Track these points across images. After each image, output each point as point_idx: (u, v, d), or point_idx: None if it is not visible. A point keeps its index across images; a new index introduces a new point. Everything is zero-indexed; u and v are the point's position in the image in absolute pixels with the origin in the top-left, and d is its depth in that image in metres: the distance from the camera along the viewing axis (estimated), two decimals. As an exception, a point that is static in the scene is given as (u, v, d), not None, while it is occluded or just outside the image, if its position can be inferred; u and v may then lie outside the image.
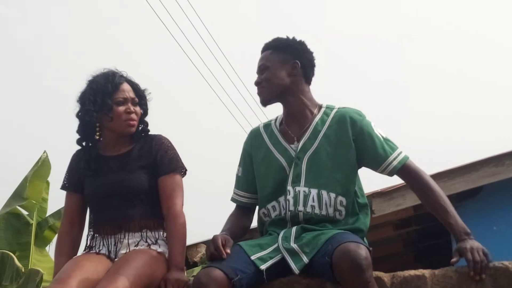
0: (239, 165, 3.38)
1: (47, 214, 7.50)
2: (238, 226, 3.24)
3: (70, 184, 3.43)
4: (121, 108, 3.34)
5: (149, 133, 3.47)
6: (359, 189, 3.21)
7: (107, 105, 3.33)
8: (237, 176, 3.39)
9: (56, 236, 4.13)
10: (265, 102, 3.26)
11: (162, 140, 3.39)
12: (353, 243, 2.71)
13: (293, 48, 3.26)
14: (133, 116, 3.37)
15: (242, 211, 3.32)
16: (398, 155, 3.11)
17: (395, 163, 3.09)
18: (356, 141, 3.14)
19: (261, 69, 3.26)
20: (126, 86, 3.40)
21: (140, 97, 3.46)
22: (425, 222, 7.05)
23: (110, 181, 3.29)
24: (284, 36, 3.31)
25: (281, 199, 3.14)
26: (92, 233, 3.34)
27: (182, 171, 3.35)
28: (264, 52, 3.30)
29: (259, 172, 3.26)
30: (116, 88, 3.36)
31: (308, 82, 3.30)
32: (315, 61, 3.32)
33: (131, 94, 3.39)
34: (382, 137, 3.17)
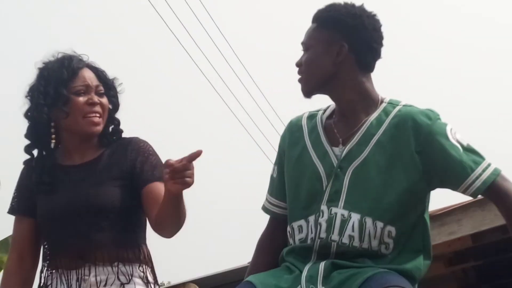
0: (275, 164, 2.77)
1: None
2: (271, 256, 2.67)
3: (20, 205, 2.86)
4: (81, 99, 2.76)
5: (123, 135, 2.87)
6: (423, 220, 2.59)
7: (62, 96, 2.73)
8: (272, 177, 2.76)
9: (0, 274, 3.71)
10: (305, 93, 2.63)
11: (140, 144, 2.82)
12: None
13: (343, 23, 2.59)
14: (97, 108, 2.77)
15: (277, 226, 2.71)
16: (484, 171, 2.49)
17: (478, 183, 2.47)
18: (421, 154, 2.49)
19: (304, 47, 2.65)
20: (87, 72, 2.81)
21: (108, 86, 2.85)
22: (487, 256, 6.03)
23: (69, 197, 2.73)
24: (338, 3, 2.65)
25: (311, 218, 2.55)
26: (46, 268, 2.81)
27: None
28: (311, 25, 2.67)
29: (289, 176, 2.66)
30: (73, 74, 2.77)
31: (366, 69, 2.62)
32: (381, 40, 2.65)
33: (93, 81, 2.80)
34: (462, 146, 2.51)
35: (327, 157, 2.58)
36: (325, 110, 2.72)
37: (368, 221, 2.49)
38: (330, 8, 2.63)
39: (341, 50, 2.57)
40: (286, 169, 2.68)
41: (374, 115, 2.58)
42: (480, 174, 2.48)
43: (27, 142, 2.85)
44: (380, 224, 2.49)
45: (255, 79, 12.16)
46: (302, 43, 2.64)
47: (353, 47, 2.57)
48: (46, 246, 2.79)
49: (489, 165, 2.51)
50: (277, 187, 2.73)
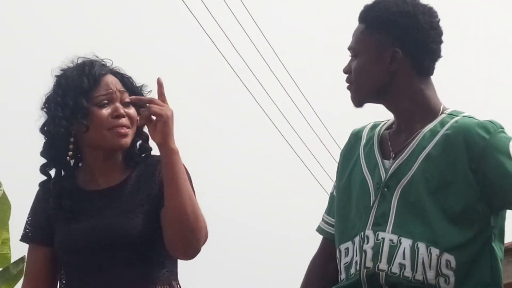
0: (335, 181, 2.52)
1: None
2: (323, 284, 2.47)
3: (35, 233, 2.57)
4: (105, 111, 2.44)
5: (151, 152, 2.55)
6: (491, 250, 2.29)
7: (82, 107, 2.43)
8: (331, 195, 2.51)
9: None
10: (356, 103, 2.39)
11: None
12: None
13: (395, 24, 2.31)
14: (125, 121, 2.45)
15: (330, 248, 2.45)
16: None
17: None
18: (477, 172, 2.23)
19: (352, 53, 2.37)
20: (111, 79, 2.49)
21: (135, 95, 2.51)
22: None
23: (94, 227, 2.45)
24: None
25: (356, 239, 2.31)
26: (65, 305, 2.52)
27: None
28: (358, 25, 2.38)
29: (340, 191, 2.43)
30: (95, 82, 2.45)
31: (424, 73, 2.35)
32: (440, 37, 2.36)
33: (118, 87, 2.49)
34: None
35: (377, 169, 2.33)
36: (389, 120, 2.45)
37: (421, 247, 2.24)
38: (379, 6, 2.33)
39: (395, 57, 2.30)
40: (338, 185, 2.44)
41: (430, 126, 2.31)
42: None
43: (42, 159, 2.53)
44: (435, 251, 2.23)
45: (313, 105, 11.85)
46: (350, 48, 2.36)
47: (408, 51, 2.30)
48: (64, 281, 2.52)
49: None
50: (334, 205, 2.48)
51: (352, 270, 2.30)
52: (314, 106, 11.76)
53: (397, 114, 2.36)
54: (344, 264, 2.33)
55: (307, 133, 11.94)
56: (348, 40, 2.37)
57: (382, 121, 2.46)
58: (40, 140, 2.51)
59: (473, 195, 2.23)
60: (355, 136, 2.46)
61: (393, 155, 2.33)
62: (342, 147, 2.54)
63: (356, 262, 2.29)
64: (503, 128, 2.27)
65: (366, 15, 2.34)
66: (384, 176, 2.30)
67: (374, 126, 2.45)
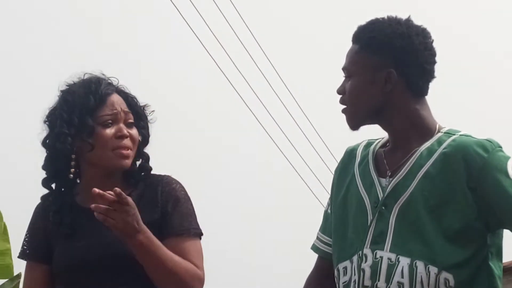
0: (330, 198, 2.51)
1: None
2: None
3: (33, 250, 2.56)
4: (109, 131, 2.46)
5: (152, 172, 2.56)
6: (488, 268, 2.29)
7: (87, 126, 2.44)
8: (325, 213, 2.49)
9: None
10: (351, 126, 2.37)
11: (173, 185, 2.51)
12: None
13: (390, 46, 2.30)
14: (127, 142, 2.46)
15: (329, 268, 2.44)
16: None
17: None
18: (475, 191, 2.22)
19: (346, 73, 2.35)
20: (116, 98, 2.50)
21: (138, 115, 2.54)
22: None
23: (92, 245, 2.46)
24: (382, 20, 2.36)
25: (354, 258, 2.31)
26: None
27: (197, 233, 2.51)
28: (352, 46, 2.36)
29: (336, 210, 2.41)
30: (101, 101, 2.47)
31: (419, 93, 2.35)
32: (434, 58, 2.36)
33: (123, 108, 2.50)
34: None
35: (373, 188, 2.33)
36: (383, 138, 2.45)
37: (420, 265, 2.24)
38: (373, 27, 2.33)
39: (389, 77, 2.30)
40: (334, 202, 2.44)
41: (426, 144, 2.31)
42: None
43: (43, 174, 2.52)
44: (433, 270, 2.23)
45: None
46: (344, 68, 2.35)
47: (403, 72, 2.30)
48: None
49: None
50: (330, 224, 2.47)
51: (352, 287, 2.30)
52: (311, 117, 11.80)
53: (392, 134, 2.36)
54: (343, 283, 2.33)
55: (303, 145, 11.98)
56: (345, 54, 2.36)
57: (377, 139, 2.47)
58: (36, 152, 2.52)
59: (471, 213, 2.23)
60: (350, 154, 2.46)
61: (390, 174, 2.33)
62: (338, 160, 2.54)
63: (355, 281, 2.29)
64: (501, 147, 2.27)
65: (361, 36, 2.33)
66: (381, 194, 2.31)
67: (369, 144, 2.45)
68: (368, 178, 2.36)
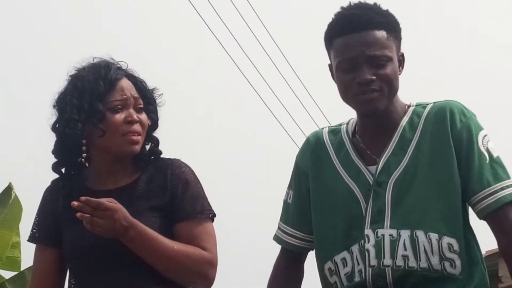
0: (289, 187, 2.48)
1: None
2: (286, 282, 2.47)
3: (42, 233, 2.54)
4: (119, 116, 2.43)
5: (162, 156, 2.54)
6: (469, 228, 2.34)
7: (98, 111, 2.41)
8: (286, 203, 2.47)
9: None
10: (378, 111, 2.33)
11: (182, 168, 2.49)
12: None
13: (400, 30, 2.38)
14: (137, 127, 2.44)
15: (292, 259, 2.47)
16: (503, 189, 2.25)
17: (490, 201, 2.24)
18: (456, 151, 2.29)
19: (379, 60, 2.30)
20: (125, 83, 2.47)
21: (147, 100, 2.51)
22: None
23: None
24: (375, 4, 2.38)
25: (355, 248, 2.30)
26: (73, 307, 2.50)
27: (210, 215, 2.47)
28: (373, 32, 2.31)
29: (319, 204, 2.39)
30: (111, 86, 2.44)
31: None
32: None
33: (133, 93, 2.47)
34: (490, 156, 2.28)
35: (361, 175, 2.33)
36: (345, 126, 2.44)
37: (420, 234, 2.25)
38: (386, 11, 2.36)
39: (403, 60, 2.37)
40: (314, 196, 2.41)
41: (405, 119, 2.35)
42: (496, 192, 2.24)
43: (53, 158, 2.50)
44: (434, 236, 2.25)
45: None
46: (376, 56, 2.29)
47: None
48: (73, 282, 2.49)
49: (511, 185, 2.24)
50: (294, 214, 2.45)
51: (357, 278, 2.30)
52: (323, 107, 11.73)
53: (380, 119, 2.34)
54: (345, 274, 2.32)
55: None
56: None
57: (338, 125, 2.46)
58: (49, 139, 2.50)
59: (456, 170, 2.27)
60: (316, 143, 2.44)
61: (377, 159, 2.33)
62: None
63: (360, 270, 2.28)
64: (475, 115, 2.34)
65: (385, 22, 2.32)
66: (372, 178, 2.31)
67: (334, 131, 2.44)
68: (353, 167, 2.36)
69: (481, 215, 2.26)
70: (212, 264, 2.40)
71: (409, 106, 2.38)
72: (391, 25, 2.32)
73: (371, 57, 2.27)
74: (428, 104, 2.36)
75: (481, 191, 2.24)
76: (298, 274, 2.47)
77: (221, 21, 9.98)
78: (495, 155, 2.29)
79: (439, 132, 2.29)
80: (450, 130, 2.28)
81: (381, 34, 2.29)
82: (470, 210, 2.32)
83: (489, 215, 2.24)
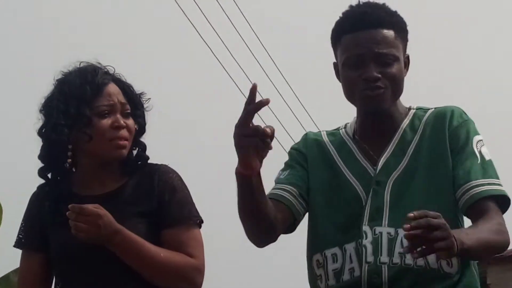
0: (283, 169, 2.44)
1: None
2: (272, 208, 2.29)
3: (28, 238, 2.53)
4: (105, 122, 2.42)
5: (148, 161, 2.53)
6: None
7: (84, 116, 2.40)
8: (277, 179, 2.41)
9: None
10: (382, 109, 2.35)
11: (169, 174, 2.48)
12: None
13: (407, 31, 2.42)
14: (124, 133, 2.43)
15: (278, 208, 2.34)
16: (490, 185, 2.25)
17: (473, 192, 2.23)
18: (450, 148, 2.33)
19: (386, 59, 2.32)
20: (113, 88, 2.46)
21: (135, 104, 2.50)
22: None
23: None
24: (382, 4, 2.42)
25: (350, 246, 2.30)
26: (59, 315, 2.48)
27: (197, 221, 2.46)
28: (382, 30, 2.33)
29: (318, 195, 2.38)
30: (98, 91, 2.43)
31: None
32: None
33: (120, 99, 2.45)
34: (482, 158, 2.30)
35: (366, 173, 2.35)
36: (344, 128, 2.46)
37: None
38: (394, 12, 2.38)
39: (408, 62, 2.40)
40: (314, 187, 2.40)
41: (406, 122, 2.39)
42: (483, 185, 2.24)
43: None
44: None
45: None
46: (383, 54, 2.30)
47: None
48: (60, 287, 2.47)
49: (499, 184, 2.26)
50: (290, 177, 2.39)
51: (347, 277, 2.29)
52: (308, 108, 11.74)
53: (382, 120, 2.36)
54: (333, 270, 2.31)
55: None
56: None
57: (336, 129, 2.48)
58: (33, 143, 2.48)
59: (450, 166, 2.30)
60: (315, 141, 2.44)
61: (377, 158, 2.35)
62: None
63: (352, 269, 2.28)
64: (473, 121, 2.37)
65: (393, 21, 2.34)
66: (374, 175, 2.34)
67: (333, 134, 2.46)
68: (357, 165, 2.37)
69: (464, 208, 2.26)
70: (199, 270, 2.39)
71: (410, 109, 2.42)
72: (399, 26, 2.35)
73: (379, 55, 2.28)
74: (429, 109, 2.41)
75: (468, 183, 2.25)
76: (279, 217, 2.31)
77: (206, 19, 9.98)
78: (487, 158, 2.31)
79: (437, 133, 2.33)
80: (448, 129, 2.32)
81: (390, 33, 2.31)
82: None
83: (470, 208, 2.24)
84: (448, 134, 2.32)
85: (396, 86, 2.32)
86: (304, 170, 2.41)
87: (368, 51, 2.28)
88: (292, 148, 2.48)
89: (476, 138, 2.33)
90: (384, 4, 2.39)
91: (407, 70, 2.39)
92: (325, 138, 2.44)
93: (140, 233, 2.37)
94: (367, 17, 2.31)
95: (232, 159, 2.10)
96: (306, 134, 2.50)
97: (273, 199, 2.33)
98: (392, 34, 2.31)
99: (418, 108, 2.42)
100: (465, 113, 2.37)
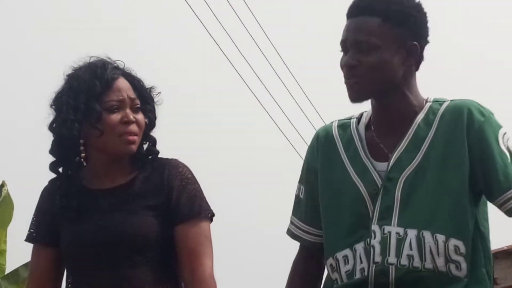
0: (300, 182, 2.45)
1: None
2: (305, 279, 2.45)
3: (39, 233, 2.54)
4: (115, 117, 2.42)
5: (159, 155, 2.54)
6: (478, 230, 2.30)
7: (94, 111, 2.41)
8: (298, 198, 2.44)
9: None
10: (357, 98, 2.30)
11: (179, 168, 2.48)
12: None
13: (413, 18, 2.29)
14: (133, 127, 2.43)
15: (312, 256, 2.43)
16: None
17: None
18: (470, 151, 2.24)
19: (363, 47, 2.27)
20: (122, 83, 2.46)
21: (145, 99, 2.50)
22: None
23: (100, 227, 2.43)
24: None
25: (359, 246, 2.27)
26: (71, 306, 2.50)
27: (208, 215, 2.46)
28: (366, 17, 2.28)
29: (326, 199, 2.36)
30: (107, 86, 2.43)
31: (418, 69, 2.35)
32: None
33: (130, 94, 2.45)
34: (511, 155, 2.24)
35: (368, 174, 2.30)
36: (358, 119, 2.40)
37: (427, 235, 2.22)
38: (395, 0, 2.29)
39: (413, 51, 2.28)
40: (322, 192, 2.38)
41: (421, 116, 2.30)
42: None
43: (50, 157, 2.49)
44: (441, 238, 2.21)
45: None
46: (360, 41, 2.26)
47: (420, 46, 2.29)
48: (70, 282, 2.48)
49: None
50: (307, 211, 2.42)
51: (358, 276, 2.27)
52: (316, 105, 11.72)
53: (391, 112, 2.31)
54: (346, 272, 2.29)
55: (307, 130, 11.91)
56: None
57: (348, 119, 2.42)
58: (45, 139, 2.49)
59: (467, 171, 2.23)
60: (326, 137, 2.40)
61: (390, 155, 2.29)
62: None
63: (363, 268, 2.26)
64: (493, 113, 2.30)
65: (380, 8, 2.28)
66: (378, 177, 2.28)
67: (344, 125, 2.40)
68: (359, 164, 2.32)
69: (510, 214, 2.23)
70: (211, 278, 2.41)
71: (426, 102, 2.33)
72: (391, 13, 2.26)
73: (356, 42, 2.25)
74: (445, 101, 2.31)
75: (509, 191, 2.21)
76: (317, 271, 2.43)
77: (218, 21, 9.98)
78: None
79: (454, 132, 2.25)
80: (467, 131, 2.24)
81: (374, 20, 2.26)
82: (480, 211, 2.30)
83: None
84: (467, 135, 2.24)
85: (374, 75, 2.24)
86: (315, 186, 2.40)
87: (346, 38, 2.26)
88: (305, 155, 2.46)
89: (501, 133, 2.27)
90: None
91: (413, 58, 2.28)
92: (334, 132, 2.39)
93: (150, 226, 2.39)
94: (357, 4, 2.29)
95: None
96: (316, 134, 2.46)
97: (301, 244, 2.42)
98: (376, 21, 2.25)
99: (434, 101, 2.33)
100: (483, 108, 2.28)
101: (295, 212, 2.45)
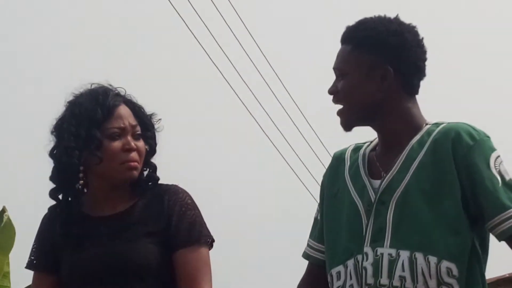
0: (319, 205, 2.50)
1: None
2: None
3: (40, 261, 2.54)
4: (116, 144, 2.43)
5: (159, 182, 2.55)
6: (475, 252, 2.28)
7: (95, 139, 2.42)
8: (315, 220, 2.49)
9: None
10: (346, 126, 2.37)
11: (179, 194, 2.49)
12: None
13: (384, 43, 2.31)
14: (134, 155, 2.45)
15: (320, 274, 2.44)
16: None
17: (509, 224, 2.19)
18: (459, 174, 2.23)
19: (336, 73, 2.36)
20: (124, 110, 2.48)
21: (145, 126, 2.51)
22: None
23: (100, 255, 2.43)
24: (372, 18, 2.36)
25: (350, 263, 2.29)
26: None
27: (208, 241, 2.46)
28: (343, 46, 2.37)
29: (328, 216, 2.41)
30: (109, 113, 2.45)
31: (411, 92, 2.35)
32: (425, 55, 2.36)
33: (131, 121, 2.47)
34: (503, 179, 2.23)
35: (366, 191, 2.32)
36: (371, 142, 2.44)
37: (419, 257, 2.23)
38: (365, 26, 2.34)
39: (386, 75, 2.30)
40: (326, 209, 2.42)
41: (416, 137, 2.31)
42: None
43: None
44: (433, 260, 2.21)
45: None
46: (335, 69, 2.35)
47: (398, 70, 2.30)
48: None
49: None
50: (320, 229, 2.45)
51: None
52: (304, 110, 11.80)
53: (385, 134, 2.36)
54: (337, 287, 2.32)
55: (295, 138, 11.97)
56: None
57: (364, 143, 2.47)
58: (44, 164, 2.49)
59: (460, 198, 2.23)
60: (338, 159, 2.45)
61: (384, 174, 2.32)
62: (332, 152, 2.54)
63: (351, 285, 2.28)
64: (488, 136, 2.28)
65: (353, 36, 2.33)
66: (374, 196, 2.30)
67: (357, 148, 2.45)
68: (359, 181, 2.36)
69: (501, 238, 2.23)
70: None
71: (426, 124, 2.35)
72: (362, 40, 2.31)
73: (333, 70, 2.35)
74: (441, 124, 2.32)
75: (500, 215, 2.21)
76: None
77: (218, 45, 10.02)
78: (507, 178, 2.25)
79: (441, 154, 2.26)
80: (453, 154, 2.24)
81: (346, 48, 2.33)
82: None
83: (509, 239, 2.21)
84: (454, 159, 2.24)
85: (349, 100, 2.31)
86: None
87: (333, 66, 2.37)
88: (322, 177, 2.52)
89: (493, 157, 2.26)
90: (378, 17, 2.36)
91: (387, 82, 2.28)
92: (347, 154, 2.44)
93: (150, 253, 2.39)
94: (342, 34, 2.37)
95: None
96: (333, 155, 2.51)
97: (312, 264, 2.45)
98: (347, 49, 2.32)
99: (434, 124, 2.35)
100: (476, 131, 2.27)
101: (312, 233, 2.48)
